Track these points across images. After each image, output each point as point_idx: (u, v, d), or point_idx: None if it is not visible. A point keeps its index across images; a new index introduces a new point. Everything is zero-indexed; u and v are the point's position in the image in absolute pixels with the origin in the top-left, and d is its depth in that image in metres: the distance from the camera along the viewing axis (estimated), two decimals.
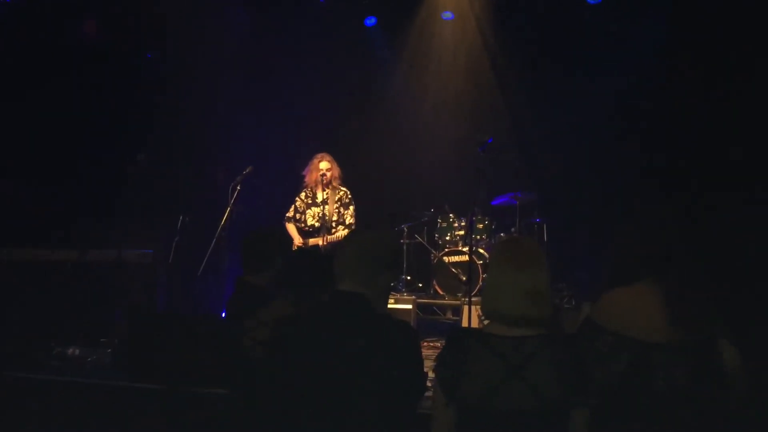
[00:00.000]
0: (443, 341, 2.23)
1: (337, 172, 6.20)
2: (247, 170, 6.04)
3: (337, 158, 6.33)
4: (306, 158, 6.49)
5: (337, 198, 6.16)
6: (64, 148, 7.19)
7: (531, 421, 1.99)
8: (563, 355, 2.04)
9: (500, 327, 2.13)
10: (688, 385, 2.15)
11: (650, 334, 2.20)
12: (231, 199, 5.93)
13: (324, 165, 6.12)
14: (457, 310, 6.79)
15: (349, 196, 6.20)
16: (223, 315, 4.74)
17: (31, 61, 7.27)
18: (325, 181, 6.11)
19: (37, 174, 7.08)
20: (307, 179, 6.23)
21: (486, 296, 2.25)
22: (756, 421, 2.69)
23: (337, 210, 6.12)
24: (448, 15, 8.02)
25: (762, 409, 2.78)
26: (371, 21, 8.15)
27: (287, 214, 6.27)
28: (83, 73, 7.38)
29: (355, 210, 6.21)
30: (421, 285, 7.64)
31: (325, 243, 5.94)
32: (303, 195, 6.24)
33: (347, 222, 6.10)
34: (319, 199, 6.16)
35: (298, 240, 6.11)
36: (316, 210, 6.10)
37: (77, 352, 5.16)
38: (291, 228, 6.22)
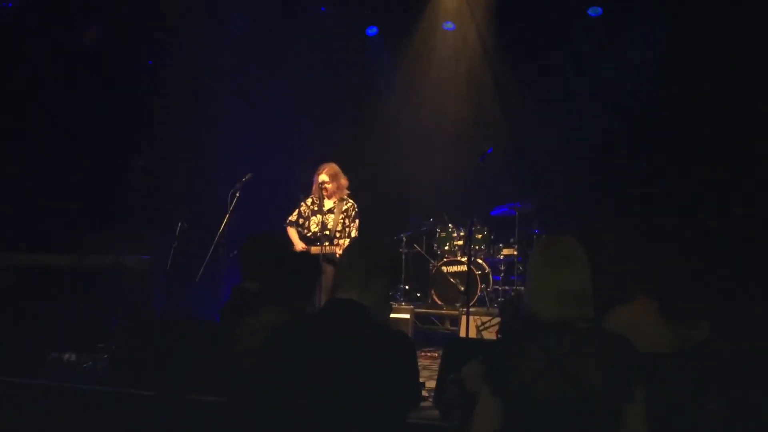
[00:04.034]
0: (441, 351, 2.21)
1: (339, 183, 6.11)
2: (247, 177, 6.02)
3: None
4: (305, 166, 6.48)
5: (343, 209, 6.11)
6: (63, 153, 7.19)
7: (573, 412, 1.96)
8: (609, 349, 2.00)
9: (546, 325, 2.09)
10: (695, 391, 2.17)
11: (654, 344, 2.22)
12: (230, 206, 5.91)
13: (322, 177, 6.05)
14: (456, 320, 6.78)
15: (356, 209, 6.14)
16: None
17: (31, 65, 7.27)
18: (325, 193, 6.07)
19: (36, 179, 7.07)
20: (313, 187, 6.20)
21: (526, 300, 2.21)
22: (757, 421, 2.70)
23: (342, 221, 6.07)
24: (449, 25, 8.04)
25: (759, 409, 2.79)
26: (373, 30, 8.18)
27: (290, 218, 6.20)
28: (83, 78, 7.39)
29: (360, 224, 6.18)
30: (419, 294, 7.63)
31: (325, 252, 5.89)
32: (309, 201, 6.18)
33: (352, 235, 6.05)
34: (326, 207, 6.13)
35: (299, 246, 6.07)
36: (321, 218, 6.07)
37: (73, 357, 5.14)
38: (292, 233, 6.16)
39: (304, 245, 6.06)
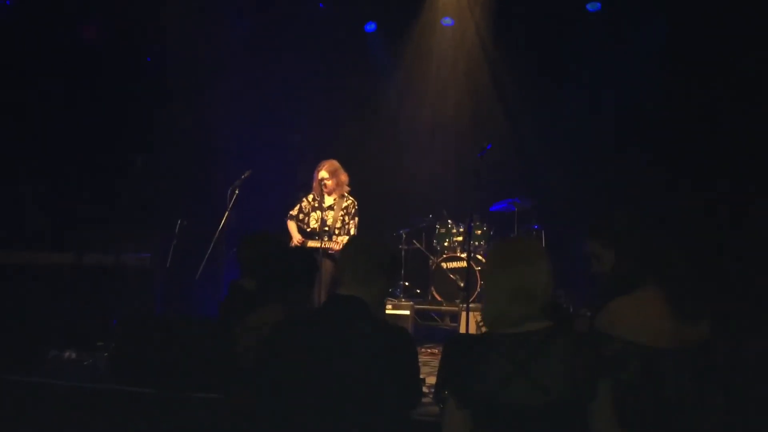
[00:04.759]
0: (441, 348, 2.20)
1: (339, 180, 6.12)
2: (246, 174, 6.03)
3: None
4: (304, 163, 6.47)
5: (343, 206, 6.13)
6: (62, 151, 7.18)
7: (540, 416, 1.97)
8: (570, 346, 2.00)
9: (506, 327, 2.09)
10: (695, 389, 2.17)
11: (657, 340, 2.22)
12: (229, 203, 5.92)
13: (322, 174, 6.07)
14: (455, 317, 6.78)
15: (356, 207, 6.16)
16: None
17: (30, 63, 7.26)
18: (325, 190, 6.08)
19: (35, 177, 7.06)
20: (313, 185, 6.21)
21: (483, 302, 2.23)
22: (754, 419, 2.71)
23: (341, 218, 6.09)
24: (447, 21, 8.03)
25: (757, 407, 2.80)
26: (371, 27, 8.17)
27: (291, 212, 6.23)
28: (82, 75, 7.38)
29: (359, 222, 6.18)
30: (419, 291, 7.63)
31: (323, 247, 5.90)
32: (311, 197, 6.21)
33: (351, 232, 6.07)
34: (326, 204, 6.14)
35: (297, 239, 6.10)
36: (320, 214, 6.08)
37: (73, 355, 5.14)
38: (292, 226, 6.20)
39: (301, 238, 6.08)
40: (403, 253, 7.39)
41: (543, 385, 1.96)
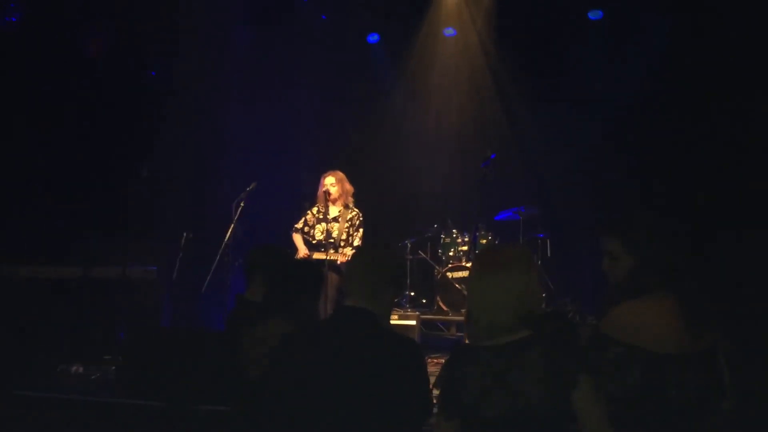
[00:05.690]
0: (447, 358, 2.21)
1: (344, 188, 6.16)
2: (251, 187, 6.05)
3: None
4: (309, 175, 6.50)
5: (348, 217, 6.15)
6: (67, 164, 7.21)
7: (522, 424, 1.98)
8: (546, 354, 2.01)
9: (484, 337, 2.11)
10: (698, 395, 2.17)
11: (662, 345, 2.22)
12: (235, 216, 5.94)
13: (328, 181, 6.12)
14: (462, 326, 6.77)
15: (361, 218, 6.18)
16: None
17: (35, 76, 7.31)
18: (329, 198, 6.10)
19: (41, 190, 7.09)
20: (317, 195, 6.24)
21: (465, 312, 2.23)
22: (754, 425, 2.70)
23: (347, 229, 6.12)
24: (450, 31, 8.07)
25: (758, 415, 2.79)
26: (374, 38, 8.21)
27: (296, 225, 6.27)
28: (88, 88, 7.42)
29: (363, 233, 6.21)
30: (425, 301, 7.63)
31: (329, 258, 5.91)
32: (315, 209, 6.25)
33: (355, 244, 6.09)
34: (331, 215, 6.16)
35: (303, 251, 6.11)
36: (325, 226, 6.10)
37: (81, 369, 5.16)
38: (297, 238, 6.22)
39: (307, 251, 6.10)
40: (408, 263, 7.39)
41: (521, 394, 1.97)
